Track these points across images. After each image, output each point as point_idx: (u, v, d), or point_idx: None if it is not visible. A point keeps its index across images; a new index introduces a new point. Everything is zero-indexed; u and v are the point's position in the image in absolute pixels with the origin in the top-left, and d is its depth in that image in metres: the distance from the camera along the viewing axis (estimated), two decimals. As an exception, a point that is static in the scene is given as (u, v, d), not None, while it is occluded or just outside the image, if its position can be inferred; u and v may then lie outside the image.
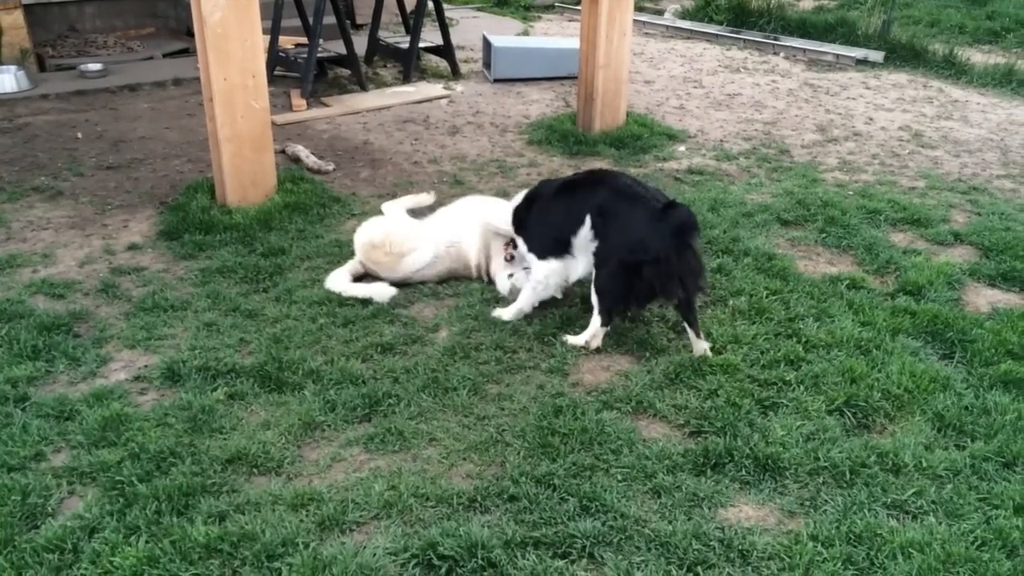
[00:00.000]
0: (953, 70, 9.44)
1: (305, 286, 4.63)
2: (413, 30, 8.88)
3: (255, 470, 3.26)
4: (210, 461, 3.26)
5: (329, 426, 3.51)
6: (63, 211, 5.64)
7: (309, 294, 4.52)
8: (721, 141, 7.11)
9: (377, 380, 3.79)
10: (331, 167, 6.48)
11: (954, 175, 6.41)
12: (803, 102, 8.35)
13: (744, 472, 3.17)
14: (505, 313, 4.31)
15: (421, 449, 3.38)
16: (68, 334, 4.18)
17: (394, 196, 5.92)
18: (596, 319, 4.00)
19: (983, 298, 4.54)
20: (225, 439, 3.42)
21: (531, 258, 4.30)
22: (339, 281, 4.58)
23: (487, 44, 9.23)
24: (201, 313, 4.37)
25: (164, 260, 4.98)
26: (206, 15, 5.04)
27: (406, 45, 9.07)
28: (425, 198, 5.24)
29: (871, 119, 7.79)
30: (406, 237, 4.65)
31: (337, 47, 8.84)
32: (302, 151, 6.64)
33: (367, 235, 4.71)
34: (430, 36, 9.31)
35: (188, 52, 9.97)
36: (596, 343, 4.03)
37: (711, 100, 8.42)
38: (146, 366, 3.94)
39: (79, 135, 7.11)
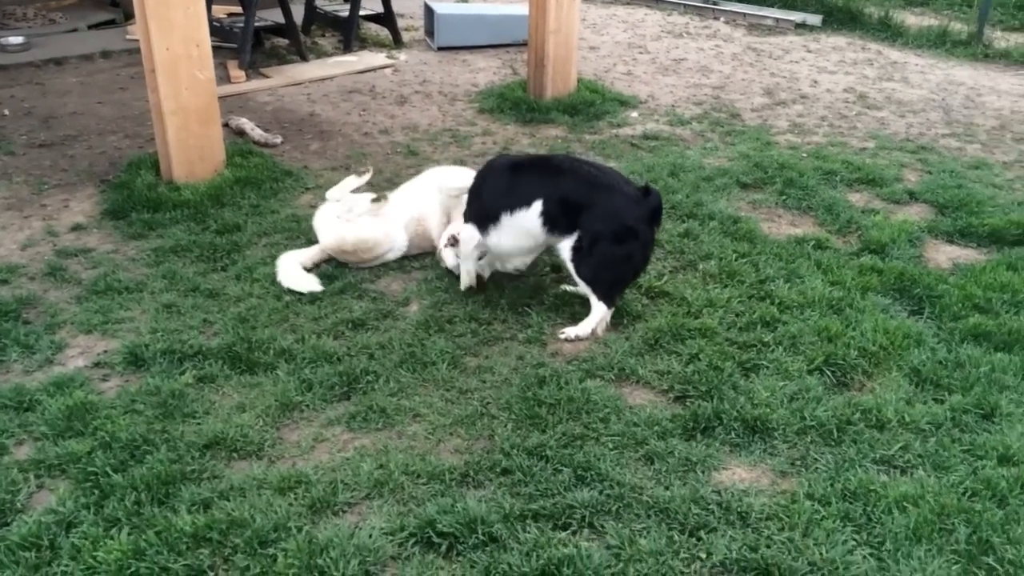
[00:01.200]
0: (889, 32, 9.62)
1: (265, 263, 4.47)
2: (353, -3, 8.65)
3: (235, 454, 3.14)
4: (186, 447, 3.13)
5: (307, 406, 3.40)
6: (-4, 192, 5.35)
7: (271, 271, 4.36)
8: (673, 106, 7.10)
9: (352, 357, 3.69)
10: (279, 140, 6.28)
11: (901, 135, 6.53)
12: (748, 66, 8.39)
13: (733, 435, 3.18)
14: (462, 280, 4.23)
15: (406, 426, 3.30)
16: (17, 321, 3.96)
17: (347, 168, 5.79)
18: (600, 306, 3.89)
19: (943, 254, 4.64)
20: (199, 424, 3.28)
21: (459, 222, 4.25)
22: (288, 269, 4.35)
23: (429, 11, 9.04)
24: (158, 294, 4.19)
25: (112, 240, 4.75)
26: (146, -19, 4.80)
27: (345, 13, 8.83)
28: (364, 177, 4.98)
29: (816, 82, 7.88)
30: (378, 243, 4.46)
31: (273, 15, 8.56)
32: (247, 124, 6.41)
33: (336, 237, 4.44)
34: (369, 3, 9.08)
35: (115, 23, 9.55)
36: (603, 328, 3.93)
37: (658, 66, 8.40)
38: (106, 351, 3.76)
39: (6, 112, 6.75)
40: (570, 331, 3.89)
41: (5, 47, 8.19)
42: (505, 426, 3.26)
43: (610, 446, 3.13)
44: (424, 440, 3.22)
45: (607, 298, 3.90)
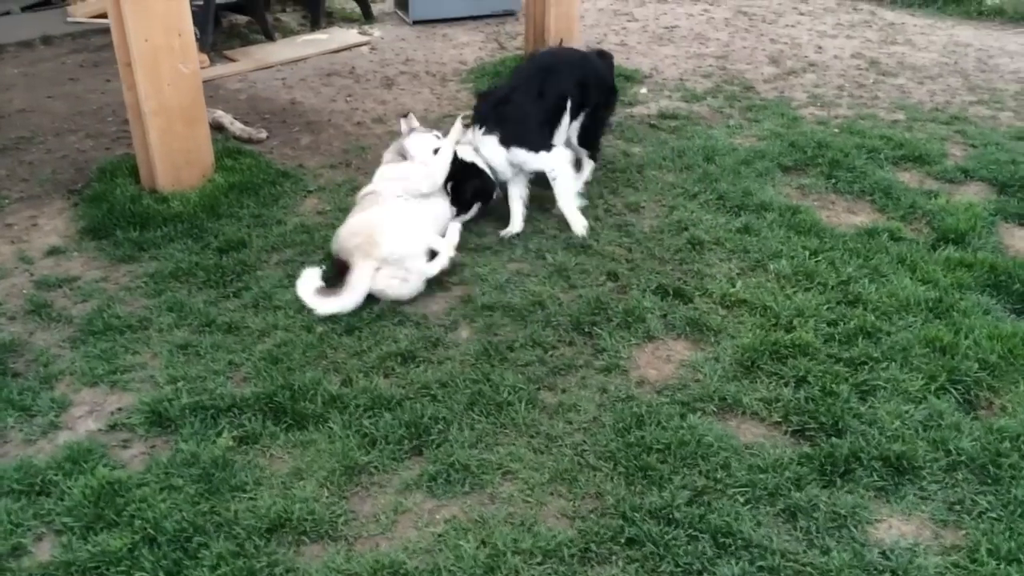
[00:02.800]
0: (876, -9, 9.29)
1: (283, 286, 3.93)
2: (320, -31, 7.96)
3: (304, 537, 2.65)
4: (246, 533, 2.63)
5: (376, 468, 2.92)
6: (-51, 211, 4.66)
7: (293, 296, 3.82)
8: (681, 80, 6.66)
9: (413, 401, 3.20)
10: (264, 134, 5.66)
11: (928, 104, 6.21)
12: (744, 32, 7.98)
13: (876, 477, 2.80)
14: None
15: (497, 487, 2.84)
16: (4, 375, 3.38)
17: (347, 165, 5.24)
18: (591, 163, 4.82)
19: (1021, 241, 4.32)
20: (253, 500, 2.78)
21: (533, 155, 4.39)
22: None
23: (402, -19, 8.39)
24: (168, 332, 3.62)
25: (98, 265, 4.15)
26: (121, -38, 4.15)
27: (311, -14, 8.14)
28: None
29: (820, 47, 7.51)
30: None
31: (231, -9, 7.84)
32: (225, 118, 5.76)
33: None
34: (335, -25, 8.40)
35: (51, 4, 8.66)
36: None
37: (651, 35, 7.93)
38: (120, 409, 3.21)
39: (-57, 112, 5.98)
40: (579, 228, 4.35)
41: (-69, 36, 7.33)
42: (612, 480, 2.83)
43: (741, 500, 2.72)
44: (523, 504, 2.77)
45: (598, 153, 4.86)
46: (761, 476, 2.80)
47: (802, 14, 8.64)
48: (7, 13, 8.28)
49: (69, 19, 8.00)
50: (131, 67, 4.41)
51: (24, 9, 8.44)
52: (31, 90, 6.45)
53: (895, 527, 2.65)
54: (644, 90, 6.42)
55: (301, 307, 3.75)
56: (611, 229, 4.41)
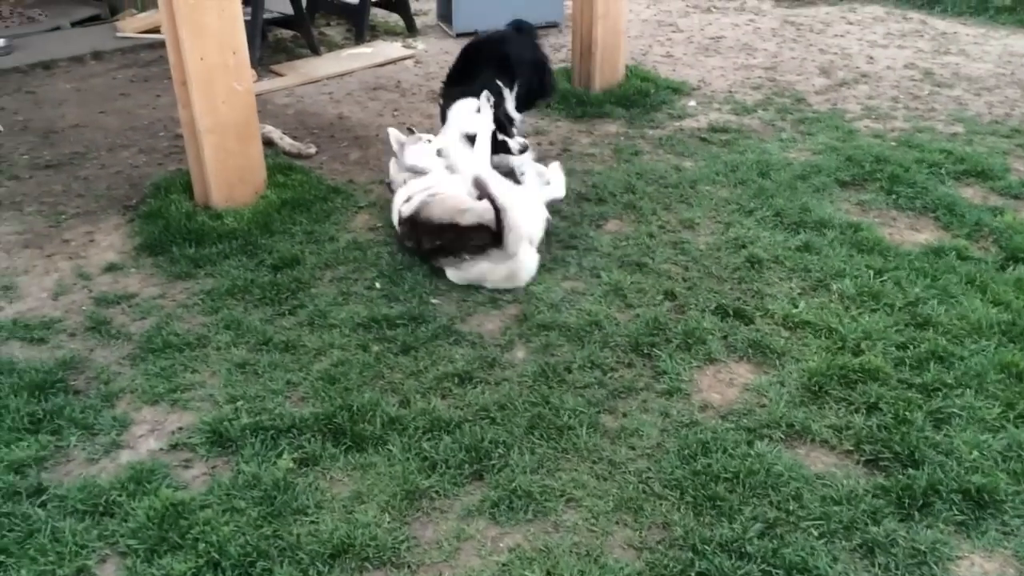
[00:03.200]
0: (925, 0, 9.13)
1: (338, 303, 3.92)
2: (365, -18, 7.99)
3: (367, 564, 2.62)
4: (310, 559, 2.61)
5: (437, 492, 2.88)
6: (8, 226, 4.71)
7: (347, 314, 3.82)
8: (730, 92, 6.58)
9: (471, 423, 3.16)
10: (313, 149, 5.68)
11: (987, 116, 6.07)
12: (792, 43, 7.87)
13: (955, 510, 2.71)
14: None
15: (560, 514, 2.79)
16: (66, 392, 3.39)
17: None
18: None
19: (1092, 261, 4.18)
20: (315, 524, 2.75)
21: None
22: None
23: (445, -7, 8.39)
24: (226, 350, 3.62)
25: (156, 282, 4.17)
26: (178, -18, 4.17)
27: (355, 0, 8.17)
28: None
29: (872, 58, 7.38)
30: None
31: (276, 5, 7.88)
32: (274, 133, 5.78)
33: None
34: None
35: (100, 19, 8.80)
36: None
37: (696, 45, 7.86)
38: (180, 428, 3.20)
39: (0, 127, 6.07)
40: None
41: (-14, 50, 7.47)
42: (680, 510, 2.76)
43: (815, 534, 2.64)
44: (588, 533, 2.71)
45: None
46: (835, 508, 2.72)
47: (851, 23, 8.51)
48: (57, 28, 8.42)
49: (118, 34, 8.10)
50: (186, 86, 4.43)
51: (74, 24, 8.57)
52: (83, 105, 6.54)
53: (977, 564, 2.55)
54: (693, 103, 6.35)
55: (356, 325, 3.74)
56: (666, 246, 4.34)
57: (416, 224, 4.11)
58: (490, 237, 3.86)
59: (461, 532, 2.73)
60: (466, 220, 3.94)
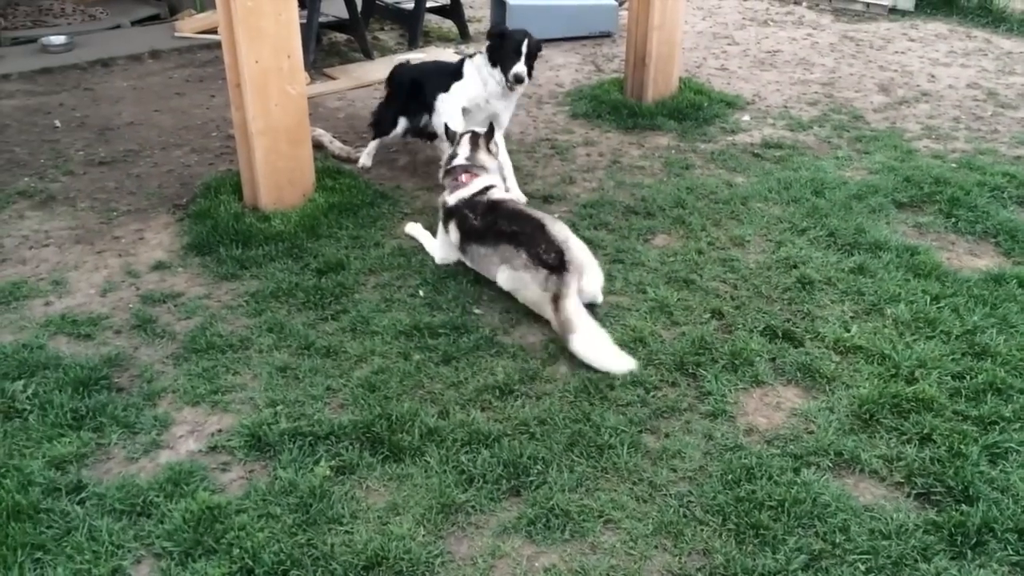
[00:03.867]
0: (991, 17, 8.91)
1: (381, 310, 3.91)
2: (420, -12, 8.02)
3: (400, 577, 2.59)
4: (343, 570, 2.58)
5: (473, 507, 2.84)
6: (61, 221, 4.79)
7: (390, 321, 3.80)
8: (785, 107, 6.46)
9: (511, 438, 3.11)
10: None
11: (1052, 139, 5.89)
12: (851, 58, 7.72)
13: (1010, 550, 2.59)
14: None
15: (598, 535, 2.73)
16: (110, 390, 3.41)
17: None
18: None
19: None
20: (349, 534, 2.72)
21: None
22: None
23: (499, 2, 8.39)
24: (268, 353, 3.62)
25: (202, 282, 4.19)
26: (236, -14, 4.20)
27: (410, 5, 8.21)
28: None
29: (933, 76, 7.20)
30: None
31: (332, 8, 7.95)
32: (324, 136, 5.82)
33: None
34: (433, -6, 8.45)
35: (159, 18, 8.96)
36: None
37: (752, 59, 7.74)
38: (220, 430, 3.20)
39: (57, 123, 6.19)
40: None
41: (47, 47, 7.62)
42: (721, 537, 2.69)
43: (862, 568, 2.55)
44: (626, 556, 2.65)
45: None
46: (884, 543, 2.62)
47: (912, 40, 8.32)
48: (118, 26, 8.59)
49: (176, 34, 8.23)
50: (240, 88, 4.46)
51: (134, 23, 8.74)
52: (139, 103, 6.64)
53: (1034, 609, 2.44)
54: (747, 117, 6.25)
55: (398, 333, 3.72)
56: (715, 264, 4.26)
57: (498, 206, 4.10)
58: (557, 259, 3.78)
59: (496, 549, 2.68)
60: (552, 228, 3.91)
